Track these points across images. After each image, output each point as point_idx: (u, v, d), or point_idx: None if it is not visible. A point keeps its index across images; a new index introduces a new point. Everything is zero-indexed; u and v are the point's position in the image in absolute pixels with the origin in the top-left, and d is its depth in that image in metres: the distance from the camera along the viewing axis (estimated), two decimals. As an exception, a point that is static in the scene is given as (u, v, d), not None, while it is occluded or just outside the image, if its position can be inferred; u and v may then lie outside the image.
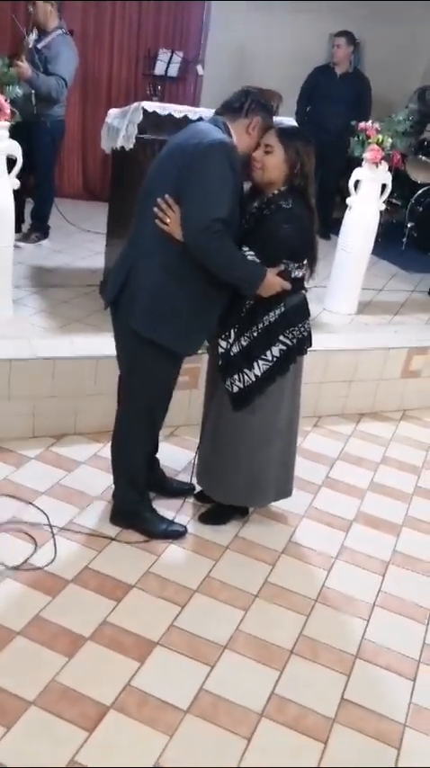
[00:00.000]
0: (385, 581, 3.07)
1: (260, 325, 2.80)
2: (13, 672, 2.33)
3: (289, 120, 3.48)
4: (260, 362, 2.82)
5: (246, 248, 2.69)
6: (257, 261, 2.68)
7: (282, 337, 2.82)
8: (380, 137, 4.46)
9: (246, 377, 2.83)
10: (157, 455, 3.26)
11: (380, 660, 2.66)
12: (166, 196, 2.57)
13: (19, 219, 5.26)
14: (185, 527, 3.12)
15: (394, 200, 6.89)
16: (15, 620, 2.52)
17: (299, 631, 2.72)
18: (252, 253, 2.69)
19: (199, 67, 6.99)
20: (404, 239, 6.85)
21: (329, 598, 2.92)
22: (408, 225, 6.88)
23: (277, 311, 2.79)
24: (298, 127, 2.77)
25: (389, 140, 4.49)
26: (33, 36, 4.95)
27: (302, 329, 2.87)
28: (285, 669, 2.54)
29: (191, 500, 3.31)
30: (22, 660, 2.38)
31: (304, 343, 2.90)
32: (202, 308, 2.75)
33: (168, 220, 2.57)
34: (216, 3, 6.98)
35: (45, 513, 3.08)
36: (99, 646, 2.49)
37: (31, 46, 4.94)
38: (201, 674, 2.45)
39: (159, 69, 6.77)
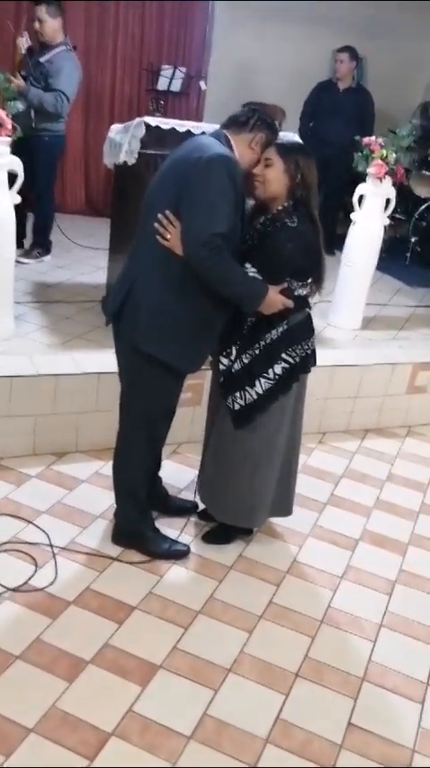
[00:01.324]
0: (391, 601, 3.01)
1: (262, 343, 2.75)
2: (12, 697, 2.28)
3: (291, 136, 3.46)
4: (262, 380, 2.77)
5: (248, 265, 2.66)
6: (259, 278, 2.65)
7: (284, 355, 2.77)
8: (384, 152, 4.45)
9: (247, 394, 2.78)
10: (160, 473, 3.22)
11: (387, 683, 2.60)
12: (167, 212, 2.54)
13: (21, 235, 5.25)
14: (188, 546, 3.07)
15: (398, 215, 6.88)
16: (14, 644, 2.47)
17: (304, 653, 2.67)
18: (254, 270, 2.65)
19: (202, 83, 6.99)
20: (408, 254, 6.84)
21: (335, 619, 2.87)
22: (412, 240, 6.87)
23: (280, 329, 2.75)
24: (297, 141, 2.77)
25: (393, 155, 4.47)
26: (25, 39, 4.91)
27: (306, 347, 2.82)
28: (291, 692, 2.48)
29: (194, 518, 3.26)
30: (22, 685, 2.33)
31: (308, 361, 2.86)
32: (204, 324, 2.71)
33: (169, 236, 2.55)
34: (219, 17, 6.99)
35: (46, 533, 3.03)
36: (100, 669, 2.43)
37: (23, 51, 4.90)
38: (205, 699, 2.40)
39: (162, 84, 6.78)
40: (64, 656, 2.46)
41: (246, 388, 2.78)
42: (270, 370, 2.77)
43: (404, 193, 6.45)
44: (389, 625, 2.88)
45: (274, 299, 2.64)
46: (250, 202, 2.75)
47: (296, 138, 3.56)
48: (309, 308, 2.85)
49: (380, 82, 7.24)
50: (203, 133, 3.25)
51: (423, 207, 6.86)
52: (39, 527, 3.07)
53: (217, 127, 2.76)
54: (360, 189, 4.67)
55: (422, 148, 7.07)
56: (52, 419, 3.56)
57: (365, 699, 2.51)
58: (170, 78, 6.72)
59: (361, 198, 4.69)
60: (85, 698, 2.32)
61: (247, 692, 2.46)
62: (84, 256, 5.65)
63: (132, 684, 2.40)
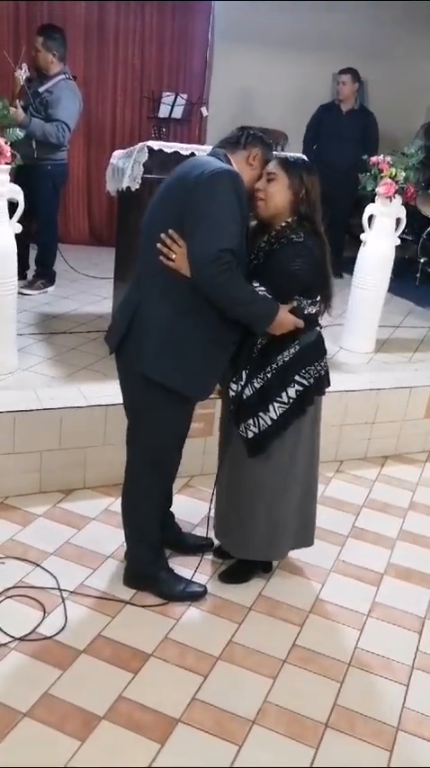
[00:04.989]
0: (422, 639, 2.83)
1: (274, 366, 2.62)
2: (20, 761, 2.10)
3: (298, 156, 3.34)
4: (275, 405, 2.63)
5: (256, 284, 2.52)
6: (269, 296, 2.51)
7: (298, 377, 2.64)
8: (394, 170, 4.33)
9: (261, 420, 2.64)
10: (172, 509, 3.06)
11: (424, 732, 2.41)
12: (170, 231, 2.42)
13: (23, 266, 5.15)
14: (205, 587, 2.90)
15: (405, 236, 6.76)
16: (22, 700, 2.29)
17: (333, 701, 2.48)
18: (262, 289, 2.51)
19: (203, 109, 6.93)
20: (417, 275, 6.71)
21: (363, 661, 2.68)
22: (421, 260, 6.75)
23: (291, 350, 2.62)
24: (300, 156, 2.68)
25: (403, 174, 4.36)
26: (23, 71, 4.84)
27: (319, 368, 2.69)
28: (321, 746, 2.30)
29: (209, 556, 3.09)
30: (30, 747, 2.15)
31: (322, 382, 2.72)
32: (214, 348, 2.57)
33: (174, 256, 2.42)
34: (219, 43, 6.95)
35: (54, 576, 2.87)
36: (115, 726, 2.25)
37: (23, 82, 4.83)
38: (229, 756, 2.21)
39: (163, 112, 6.71)
40: (75, 711, 2.28)
41: (260, 413, 2.64)
42: (283, 394, 2.63)
43: (411, 214, 6.34)
44: (422, 667, 2.70)
45: (285, 319, 2.52)
46: (252, 223, 2.63)
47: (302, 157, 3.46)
48: (320, 327, 2.72)
49: (382, 104, 7.19)
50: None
51: (430, 227, 6.75)
52: (46, 570, 2.91)
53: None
54: (369, 209, 4.55)
55: (427, 168, 6.98)
56: (59, 455, 3.41)
57: (401, 751, 2.33)
58: (171, 105, 6.64)
59: (370, 218, 4.57)
60: (99, 760, 2.13)
61: (275, 746, 2.28)
62: (88, 286, 5.53)
63: (150, 742, 2.22)
